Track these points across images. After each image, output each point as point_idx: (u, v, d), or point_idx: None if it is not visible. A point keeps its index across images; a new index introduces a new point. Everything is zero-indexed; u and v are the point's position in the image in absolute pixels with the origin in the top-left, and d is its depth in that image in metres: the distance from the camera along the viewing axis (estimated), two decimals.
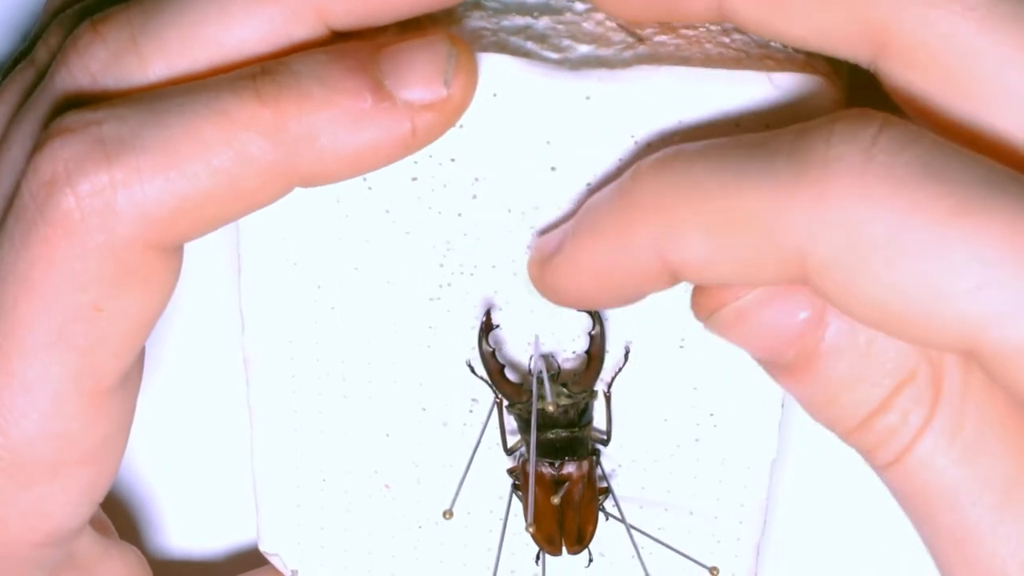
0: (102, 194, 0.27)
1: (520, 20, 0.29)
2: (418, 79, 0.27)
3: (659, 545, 0.33)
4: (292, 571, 0.35)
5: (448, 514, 0.31)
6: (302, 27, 0.28)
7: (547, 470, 0.32)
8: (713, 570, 0.32)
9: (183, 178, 0.27)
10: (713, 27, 0.29)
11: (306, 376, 0.32)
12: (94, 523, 0.32)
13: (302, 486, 0.34)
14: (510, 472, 0.33)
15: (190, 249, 0.29)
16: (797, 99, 0.28)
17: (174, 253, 0.28)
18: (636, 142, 0.29)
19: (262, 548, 0.35)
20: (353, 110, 0.27)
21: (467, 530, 0.34)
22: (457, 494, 0.31)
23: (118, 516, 0.37)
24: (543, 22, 0.29)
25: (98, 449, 0.29)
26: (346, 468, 0.33)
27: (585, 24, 0.29)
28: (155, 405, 0.38)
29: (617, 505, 0.32)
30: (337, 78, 0.27)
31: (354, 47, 0.28)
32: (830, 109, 0.28)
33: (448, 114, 0.28)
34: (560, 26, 0.29)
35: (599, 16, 0.30)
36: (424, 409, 0.32)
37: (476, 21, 0.29)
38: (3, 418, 0.28)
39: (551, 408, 0.31)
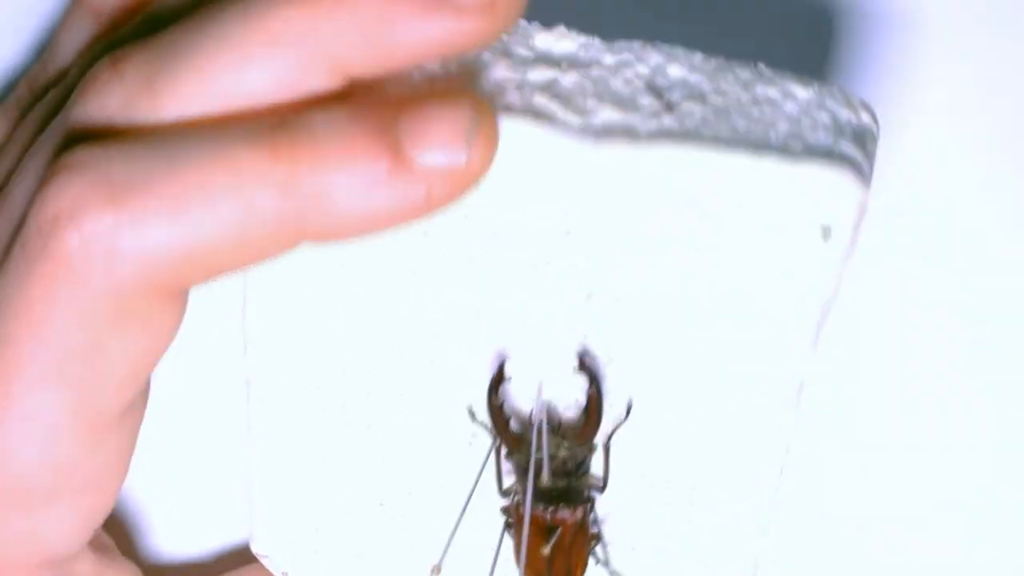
0: (106, 235, 0.26)
1: (547, 73, 0.29)
2: (438, 143, 0.26)
3: None
4: (283, 573, 0.35)
5: (436, 569, 0.31)
6: (316, 77, 0.27)
7: (541, 514, 0.32)
8: None
9: (189, 225, 0.26)
10: (744, 96, 0.29)
11: (307, 398, 0.32)
12: (93, 542, 0.32)
13: (299, 489, 0.34)
14: (503, 511, 0.33)
15: None
16: (817, 192, 0.28)
17: (178, 297, 0.28)
18: (653, 214, 0.28)
19: (254, 549, 0.35)
20: (369, 172, 0.26)
21: (459, 559, 0.34)
22: (448, 547, 0.31)
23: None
24: (570, 77, 0.29)
25: (98, 477, 0.29)
26: (342, 486, 0.33)
27: (613, 80, 0.29)
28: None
29: (606, 553, 0.32)
30: (355, 136, 0.26)
31: (375, 104, 0.27)
32: (852, 204, 0.28)
33: (465, 181, 0.27)
34: (587, 82, 0.29)
35: (628, 74, 0.29)
36: (423, 439, 0.32)
37: (502, 72, 0.28)
38: (3, 443, 0.28)
39: (546, 479, 0.30)
